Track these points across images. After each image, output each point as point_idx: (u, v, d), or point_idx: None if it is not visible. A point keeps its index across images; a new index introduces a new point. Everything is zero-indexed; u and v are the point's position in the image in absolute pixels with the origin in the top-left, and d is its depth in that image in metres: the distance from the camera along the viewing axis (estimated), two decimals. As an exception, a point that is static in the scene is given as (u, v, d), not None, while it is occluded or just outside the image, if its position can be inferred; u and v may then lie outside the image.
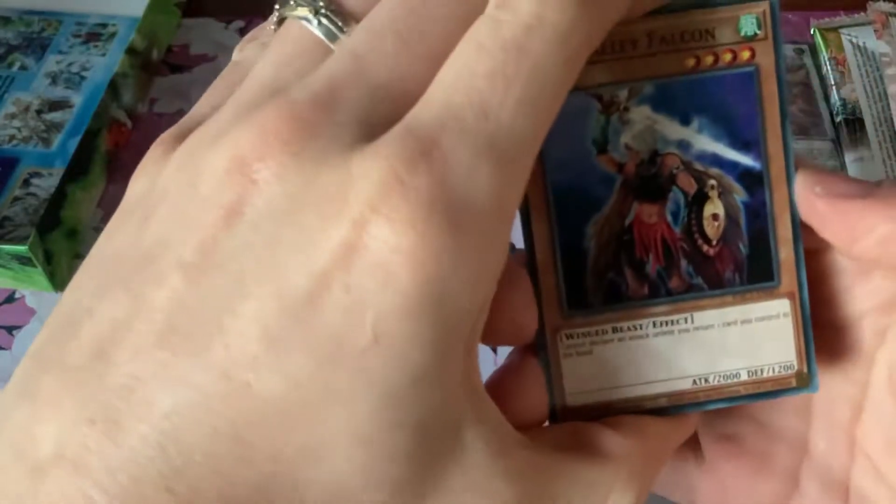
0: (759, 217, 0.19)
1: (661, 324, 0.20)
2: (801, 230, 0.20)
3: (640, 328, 0.20)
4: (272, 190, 0.14)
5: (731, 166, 0.19)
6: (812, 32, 0.54)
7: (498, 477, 0.16)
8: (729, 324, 0.20)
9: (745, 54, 0.19)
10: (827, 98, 0.53)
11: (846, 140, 0.50)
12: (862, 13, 0.54)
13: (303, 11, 0.16)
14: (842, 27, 0.54)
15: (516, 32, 0.15)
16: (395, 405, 0.14)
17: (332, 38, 0.16)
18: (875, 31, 0.53)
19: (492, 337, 0.18)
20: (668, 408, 0.20)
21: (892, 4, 0.54)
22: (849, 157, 0.50)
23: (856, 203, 0.18)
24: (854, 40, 0.53)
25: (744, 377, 0.20)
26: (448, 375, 0.15)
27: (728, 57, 0.18)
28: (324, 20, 0.16)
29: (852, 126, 0.51)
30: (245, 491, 0.14)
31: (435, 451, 0.15)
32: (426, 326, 0.14)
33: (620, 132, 0.19)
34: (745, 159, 0.19)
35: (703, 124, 0.19)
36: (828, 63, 0.53)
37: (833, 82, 0.52)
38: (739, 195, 0.19)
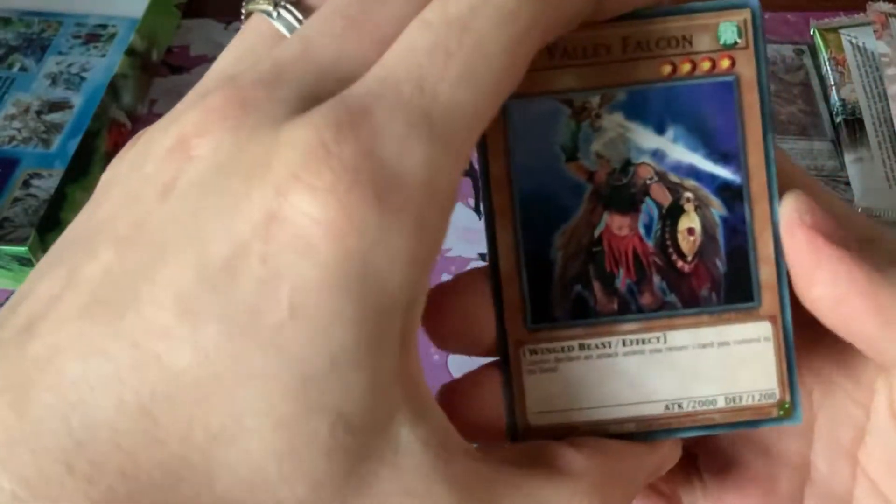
0: (738, 233, 0.18)
1: (631, 342, 0.19)
2: None
3: (609, 346, 0.19)
4: (205, 162, 0.14)
5: (708, 179, 0.18)
6: (812, 33, 0.54)
7: (438, 483, 0.15)
8: (705, 346, 0.19)
9: (725, 63, 0.18)
10: (827, 98, 0.53)
11: (846, 140, 0.50)
12: (861, 14, 0.54)
13: (264, 5, 0.17)
14: (841, 27, 0.54)
15: (462, 10, 0.14)
16: (312, 387, 0.13)
17: (291, 28, 0.16)
18: (875, 31, 0.53)
19: (442, 341, 0.18)
20: (637, 434, 0.19)
21: (891, 5, 0.54)
22: (848, 158, 0.50)
23: (834, 250, 0.17)
24: (854, 41, 0.53)
25: (720, 404, 0.19)
26: (376, 363, 0.14)
27: (706, 65, 0.18)
28: (283, 12, 0.17)
29: (852, 126, 0.51)
30: (150, 471, 0.13)
31: (361, 447, 0.14)
32: (347, 303, 0.13)
33: (591, 139, 0.18)
34: (724, 172, 0.18)
35: (679, 134, 0.18)
36: (827, 63, 0.53)
37: (833, 83, 0.52)
38: (717, 209, 0.18)
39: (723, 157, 0.18)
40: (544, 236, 0.18)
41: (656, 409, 0.19)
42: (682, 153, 0.18)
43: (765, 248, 0.18)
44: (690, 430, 0.19)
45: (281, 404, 0.13)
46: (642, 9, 0.18)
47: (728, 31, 0.18)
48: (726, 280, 0.19)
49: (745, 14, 0.18)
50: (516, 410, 0.19)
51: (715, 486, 0.21)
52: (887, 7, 0.54)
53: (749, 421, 0.19)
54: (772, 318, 0.19)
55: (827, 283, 0.17)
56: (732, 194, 0.18)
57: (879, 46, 0.52)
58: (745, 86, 0.18)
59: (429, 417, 0.15)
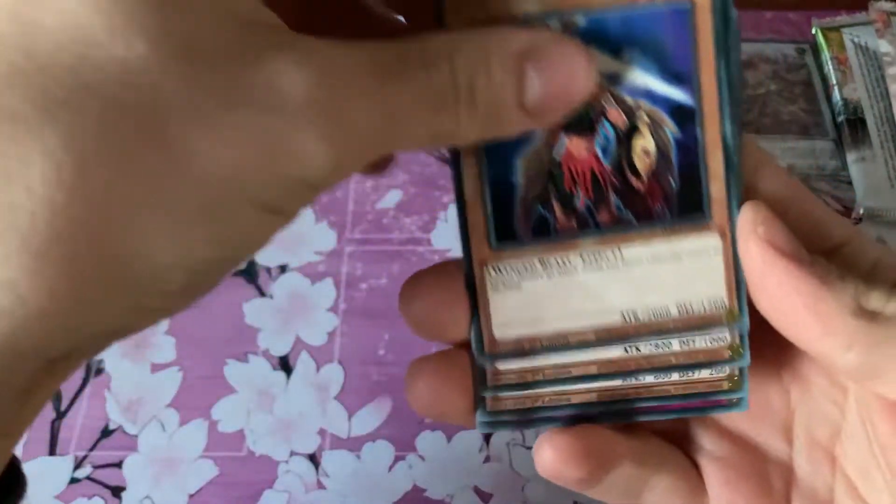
0: (690, 152, 0.19)
1: (589, 257, 0.19)
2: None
3: (568, 261, 0.19)
4: None
5: (662, 101, 0.19)
6: (814, 32, 0.54)
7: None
8: (658, 258, 0.20)
9: None
10: (828, 97, 0.52)
11: (848, 140, 0.50)
12: (863, 12, 0.54)
13: None
14: (843, 27, 0.54)
15: None
16: None
17: None
18: (877, 30, 0.53)
19: (418, 327, 0.19)
20: (598, 415, 0.20)
21: (893, 4, 0.54)
22: (850, 157, 0.50)
23: (783, 262, 0.18)
24: (856, 40, 0.53)
25: (673, 313, 0.20)
26: None
27: None
28: None
29: (854, 126, 0.50)
30: None
31: (193, 3, 0.13)
32: None
33: None
34: (677, 94, 0.19)
35: (635, 58, 0.19)
36: (829, 62, 0.53)
37: (835, 82, 0.52)
38: (671, 130, 0.19)
39: (677, 80, 0.19)
40: (506, 161, 0.19)
41: (614, 320, 0.20)
42: (638, 76, 0.19)
43: (715, 166, 0.19)
44: (648, 337, 0.20)
45: None
46: None
47: None
48: (679, 196, 0.19)
49: None
50: (482, 326, 0.20)
51: (713, 485, 0.22)
52: (889, 6, 0.54)
53: (700, 327, 0.20)
54: (721, 231, 0.19)
55: (774, 293, 0.19)
56: (685, 115, 0.19)
57: (881, 45, 0.52)
58: (700, 11, 0.18)
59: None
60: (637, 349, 0.20)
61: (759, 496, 0.22)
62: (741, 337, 0.20)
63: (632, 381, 0.20)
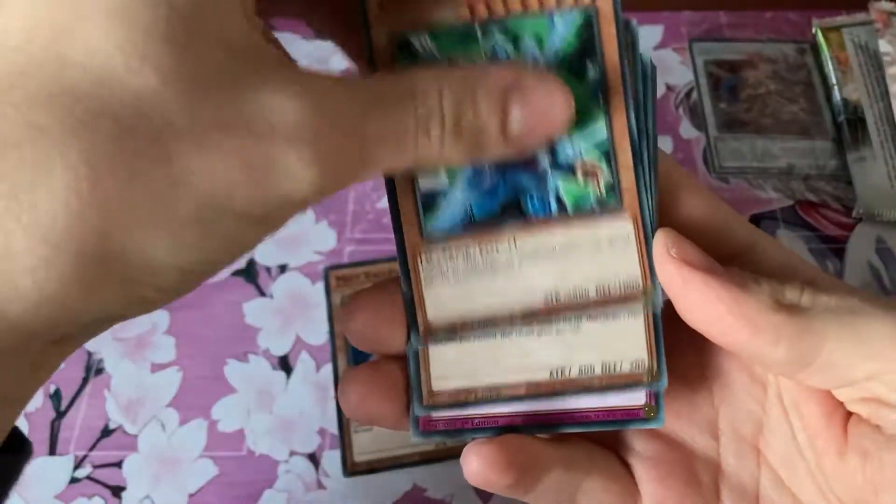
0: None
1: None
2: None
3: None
4: None
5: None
6: (814, 32, 0.54)
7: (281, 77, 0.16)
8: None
9: None
10: (829, 97, 0.52)
11: (848, 140, 0.50)
12: (863, 13, 0.54)
13: None
14: (843, 27, 0.54)
15: None
16: None
17: None
18: (877, 30, 0.53)
19: (356, 339, 0.21)
20: (525, 396, 0.21)
21: (893, 4, 0.54)
22: (850, 157, 0.50)
23: (699, 276, 0.20)
24: (856, 40, 0.53)
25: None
26: None
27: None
28: None
29: (854, 126, 0.50)
30: (3, 68, 0.14)
31: (204, 37, 0.15)
32: None
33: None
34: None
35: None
36: (830, 62, 0.53)
37: (835, 82, 0.52)
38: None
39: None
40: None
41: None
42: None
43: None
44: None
45: None
46: None
47: None
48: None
49: None
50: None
51: (644, 484, 0.23)
52: (889, 6, 0.54)
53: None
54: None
55: (700, 305, 0.20)
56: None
57: (881, 45, 0.52)
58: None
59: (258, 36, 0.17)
60: (557, 298, 0.21)
61: (688, 491, 0.23)
62: (658, 358, 0.21)
63: (553, 302, 0.21)
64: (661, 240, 0.20)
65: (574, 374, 0.21)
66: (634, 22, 0.21)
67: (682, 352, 0.22)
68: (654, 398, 0.21)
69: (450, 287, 0.21)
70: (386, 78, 0.18)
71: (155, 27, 0.15)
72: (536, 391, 0.21)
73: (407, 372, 0.21)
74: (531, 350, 0.21)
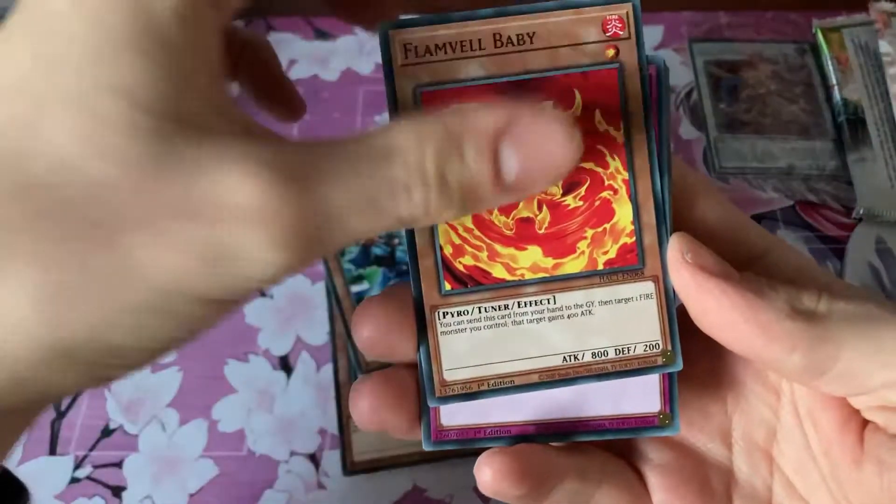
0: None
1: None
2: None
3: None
4: None
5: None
6: (814, 32, 0.54)
7: (239, 152, 0.16)
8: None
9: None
10: (829, 98, 0.52)
11: (848, 140, 0.50)
12: (863, 13, 0.54)
13: None
14: (843, 27, 0.54)
15: None
16: (99, 64, 0.15)
17: None
18: (877, 30, 0.53)
19: (366, 346, 0.21)
20: (540, 435, 0.21)
21: (893, 4, 0.54)
22: (850, 158, 0.50)
23: (714, 282, 0.20)
24: (856, 40, 0.53)
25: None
26: (156, 46, 0.15)
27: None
28: None
29: (854, 126, 0.50)
30: None
31: (159, 127, 0.15)
32: None
33: None
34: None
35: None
36: (830, 63, 0.53)
37: (835, 82, 0.52)
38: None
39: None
40: None
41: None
42: None
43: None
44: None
45: (73, 86, 0.15)
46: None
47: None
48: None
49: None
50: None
51: (657, 492, 0.23)
52: (889, 6, 0.54)
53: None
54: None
55: (714, 312, 0.20)
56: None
57: (882, 46, 0.52)
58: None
59: (229, 110, 0.17)
60: (576, 357, 0.21)
61: (701, 499, 0.23)
62: (673, 344, 0.21)
63: (572, 361, 0.21)
64: (675, 244, 0.20)
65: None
66: (664, 65, 0.20)
67: (695, 358, 0.22)
68: (669, 405, 0.21)
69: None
70: (362, 137, 0.16)
71: (112, 116, 0.15)
72: (550, 378, 0.21)
73: (418, 378, 0.21)
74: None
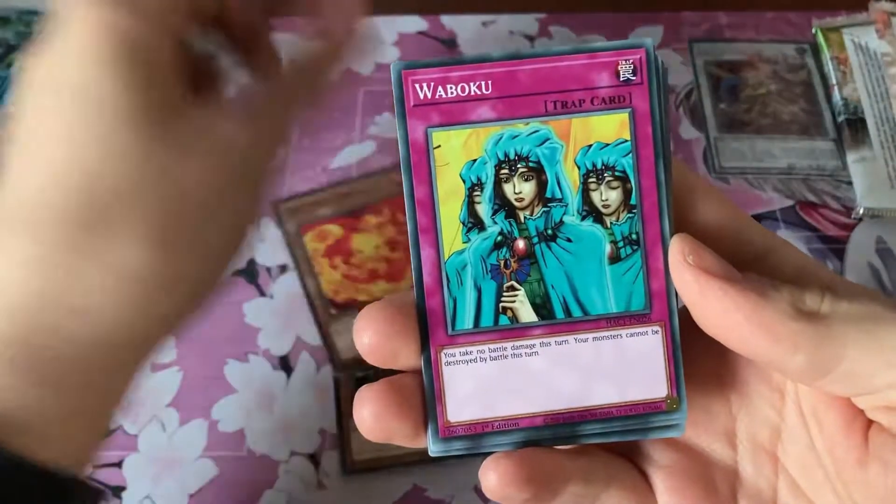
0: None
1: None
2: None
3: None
4: None
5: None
6: (814, 32, 0.54)
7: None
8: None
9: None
10: (829, 98, 0.52)
11: (848, 140, 0.50)
12: (863, 13, 0.54)
13: None
14: (843, 27, 0.54)
15: None
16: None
17: None
18: (877, 30, 0.53)
19: (367, 353, 0.21)
20: (545, 439, 0.21)
21: (893, 4, 0.54)
22: (850, 157, 0.50)
23: (716, 283, 0.20)
24: (856, 40, 0.53)
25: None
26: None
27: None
28: None
29: (854, 126, 0.50)
30: None
31: (164, 116, 0.21)
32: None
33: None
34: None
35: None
36: (830, 62, 0.53)
37: (835, 82, 0.52)
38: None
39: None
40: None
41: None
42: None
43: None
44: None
45: (119, 102, 0.23)
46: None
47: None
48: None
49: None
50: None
51: (662, 493, 0.23)
52: (889, 6, 0.54)
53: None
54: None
55: (717, 313, 0.20)
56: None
57: (881, 46, 0.52)
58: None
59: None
60: (581, 402, 0.21)
61: (706, 500, 0.22)
62: (679, 390, 0.21)
63: (577, 405, 0.21)
64: (677, 246, 0.20)
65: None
66: (662, 64, 0.21)
67: (698, 359, 0.22)
68: (676, 389, 0.21)
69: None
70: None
71: (135, 112, 0.21)
72: (554, 421, 0.21)
73: (422, 388, 0.21)
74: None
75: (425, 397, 0.21)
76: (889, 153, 0.49)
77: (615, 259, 0.21)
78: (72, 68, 0.25)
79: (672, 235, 0.21)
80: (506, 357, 0.21)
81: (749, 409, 0.23)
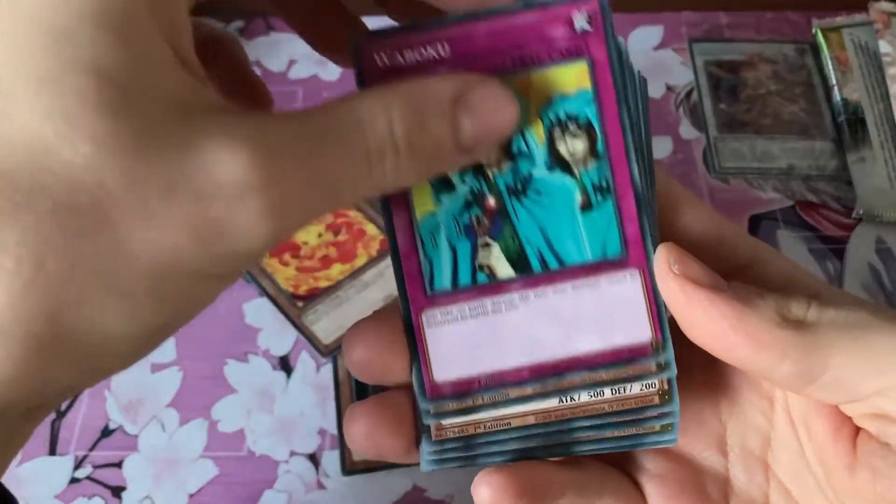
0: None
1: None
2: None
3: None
4: None
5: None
6: (814, 32, 0.54)
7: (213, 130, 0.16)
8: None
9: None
10: (829, 98, 0.52)
11: (848, 140, 0.50)
12: (863, 13, 0.54)
13: None
14: (843, 27, 0.54)
15: None
16: (65, 43, 0.14)
17: None
18: (877, 30, 0.53)
19: (358, 370, 0.20)
20: (538, 451, 0.21)
21: (893, 4, 0.54)
22: (850, 158, 0.50)
23: (702, 292, 0.20)
24: (856, 40, 0.53)
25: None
26: (122, 20, 0.15)
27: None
28: None
29: (854, 126, 0.50)
30: None
31: (133, 102, 0.15)
32: None
33: None
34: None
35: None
36: (829, 63, 0.53)
37: (835, 82, 0.52)
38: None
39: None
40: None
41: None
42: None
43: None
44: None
45: (40, 62, 0.14)
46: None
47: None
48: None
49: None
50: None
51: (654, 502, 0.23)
52: (889, 6, 0.54)
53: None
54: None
55: (703, 322, 0.20)
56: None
57: (881, 45, 0.52)
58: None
59: (192, 71, 0.17)
60: (571, 398, 0.21)
61: None
62: (669, 382, 0.21)
63: (567, 402, 0.21)
64: (662, 256, 0.20)
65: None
66: (638, 70, 0.21)
67: (688, 368, 0.22)
68: (661, 331, 0.21)
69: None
70: (330, 108, 0.17)
71: (85, 93, 0.14)
72: (540, 374, 0.21)
73: (414, 403, 0.21)
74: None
75: (410, 361, 0.21)
76: (889, 153, 0.49)
77: (587, 207, 0.21)
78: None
79: (643, 185, 0.21)
80: (486, 314, 0.21)
81: (739, 416, 0.23)
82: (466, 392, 0.21)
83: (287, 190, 0.16)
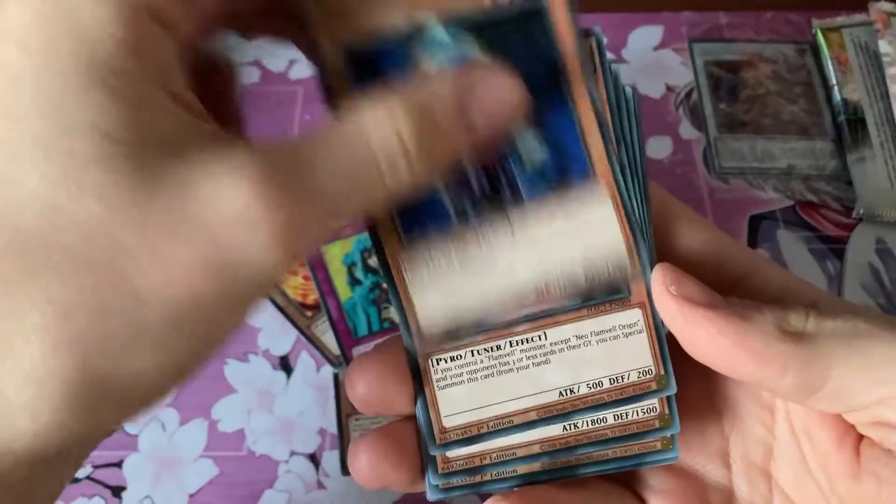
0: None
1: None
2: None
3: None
4: None
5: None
6: (814, 32, 0.54)
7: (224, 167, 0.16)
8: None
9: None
10: (829, 98, 0.52)
11: (848, 140, 0.50)
12: (863, 13, 0.54)
13: None
14: (843, 27, 0.54)
15: None
16: (60, 106, 0.15)
17: None
18: (877, 31, 0.53)
19: (362, 404, 0.20)
20: (537, 421, 0.21)
21: (893, 4, 0.54)
22: (850, 158, 0.50)
23: (701, 311, 0.20)
24: (856, 40, 0.53)
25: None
26: (110, 73, 0.15)
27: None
28: None
29: (854, 126, 0.50)
30: None
31: (129, 153, 0.15)
32: (62, 34, 0.15)
33: None
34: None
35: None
36: (829, 63, 0.53)
37: (835, 82, 0.52)
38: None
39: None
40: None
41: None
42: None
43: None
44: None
45: (40, 128, 0.15)
46: None
47: None
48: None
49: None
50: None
51: None
52: (889, 6, 0.54)
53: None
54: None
55: (704, 340, 0.20)
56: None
57: (881, 46, 0.52)
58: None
59: (183, 109, 0.17)
60: (572, 391, 0.21)
61: None
62: (669, 401, 0.21)
63: (571, 430, 0.21)
64: (659, 276, 0.20)
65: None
66: (632, 88, 0.21)
67: (688, 381, 0.22)
68: (663, 366, 0.21)
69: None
70: (333, 125, 0.17)
71: (87, 153, 0.15)
72: (547, 413, 0.21)
73: (418, 430, 0.21)
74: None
75: (422, 439, 0.21)
76: (889, 153, 0.49)
77: None
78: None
79: (646, 222, 0.21)
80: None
81: (741, 428, 0.23)
82: (476, 436, 0.21)
83: (293, 217, 0.16)
